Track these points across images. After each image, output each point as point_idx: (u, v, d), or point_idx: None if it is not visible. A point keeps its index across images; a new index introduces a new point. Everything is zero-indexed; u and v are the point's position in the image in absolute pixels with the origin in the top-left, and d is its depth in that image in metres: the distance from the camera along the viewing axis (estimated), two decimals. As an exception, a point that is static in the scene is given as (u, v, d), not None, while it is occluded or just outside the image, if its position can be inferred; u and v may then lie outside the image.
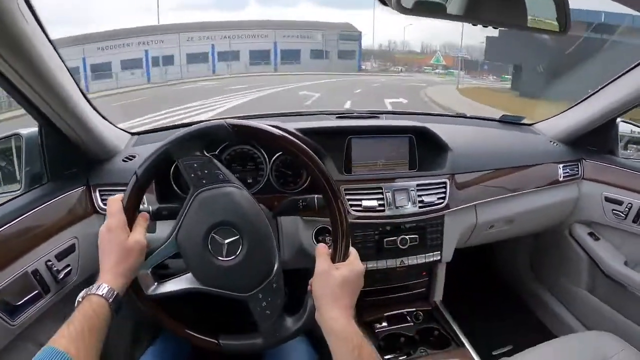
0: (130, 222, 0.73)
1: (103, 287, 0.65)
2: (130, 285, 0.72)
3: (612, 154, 1.57)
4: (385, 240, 1.19)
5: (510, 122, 1.75)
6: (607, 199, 1.48)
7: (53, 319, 0.95)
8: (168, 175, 1.12)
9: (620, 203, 1.44)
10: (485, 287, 2.00)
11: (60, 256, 0.97)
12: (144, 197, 0.79)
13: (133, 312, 0.78)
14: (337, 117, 1.45)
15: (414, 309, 1.32)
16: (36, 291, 0.90)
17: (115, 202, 0.73)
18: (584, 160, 1.56)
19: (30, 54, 0.77)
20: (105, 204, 1.01)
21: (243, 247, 0.74)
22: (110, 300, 0.65)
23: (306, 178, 1.19)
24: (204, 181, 0.75)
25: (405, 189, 1.21)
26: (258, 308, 0.75)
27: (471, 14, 0.76)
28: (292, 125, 1.18)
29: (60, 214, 1.02)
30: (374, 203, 1.17)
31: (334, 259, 0.76)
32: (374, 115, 1.49)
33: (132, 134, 1.36)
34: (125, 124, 1.40)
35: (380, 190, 1.19)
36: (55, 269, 0.94)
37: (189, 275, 0.75)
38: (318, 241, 1.15)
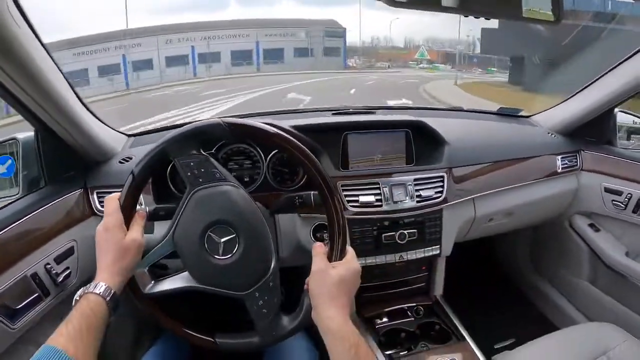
0: (127, 221, 0.73)
1: (100, 285, 0.66)
2: (127, 283, 0.72)
3: (611, 145, 1.56)
4: (383, 235, 1.19)
5: (508, 114, 1.74)
6: (607, 190, 1.48)
7: (53, 321, 0.95)
8: (165, 175, 1.12)
9: (619, 193, 1.44)
10: (485, 281, 2.00)
11: (59, 259, 0.98)
12: (141, 197, 0.79)
13: (135, 313, 0.78)
14: (333, 114, 1.44)
15: (414, 304, 1.32)
16: (36, 294, 0.90)
17: (112, 201, 0.73)
18: (582, 151, 1.55)
19: (22, 58, 0.77)
20: (103, 206, 1.01)
21: (239, 246, 0.74)
22: (108, 298, 0.65)
23: (303, 175, 1.19)
24: (201, 180, 0.75)
25: (403, 183, 1.20)
26: (254, 307, 0.75)
27: (465, 6, 0.75)
28: (288, 122, 1.18)
29: (58, 217, 1.02)
30: (371, 198, 1.17)
31: (330, 258, 0.75)
32: (369, 110, 1.49)
33: (129, 135, 1.36)
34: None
35: (378, 186, 1.19)
36: (54, 271, 0.94)
37: (186, 273, 0.75)
38: (316, 238, 1.15)
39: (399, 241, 1.19)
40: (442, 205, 1.23)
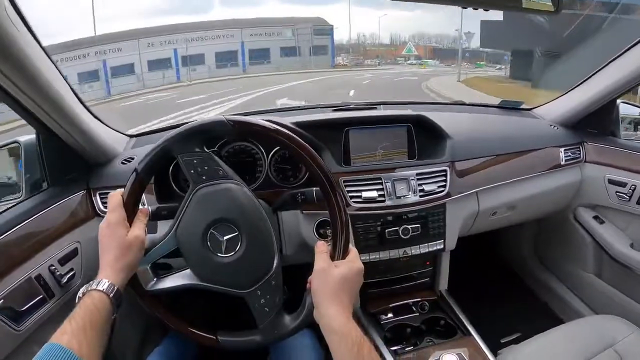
0: (130, 218, 0.73)
1: (103, 282, 0.65)
2: (130, 280, 0.72)
3: (614, 136, 1.55)
4: (387, 230, 1.19)
5: (509, 107, 1.74)
6: (611, 181, 1.47)
7: (58, 323, 0.93)
8: (167, 174, 1.12)
9: (623, 185, 1.43)
10: (490, 275, 2.00)
11: (63, 260, 0.98)
12: (144, 197, 0.78)
13: (142, 313, 0.78)
14: (334, 110, 1.44)
15: (419, 299, 1.32)
16: (40, 296, 0.90)
17: (115, 197, 0.73)
18: (585, 143, 1.54)
19: (21, 60, 0.77)
20: (106, 207, 1.01)
21: (242, 244, 0.74)
22: (111, 295, 0.65)
23: (305, 172, 1.19)
24: (204, 177, 0.75)
25: (405, 178, 1.20)
26: (256, 305, 0.75)
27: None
28: (289, 120, 1.18)
29: (61, 218, 1.03)
30: (374, 194, 1.17)
31: (333, 257, 0.75)
32: (371, 106, 1.49)
33: (131, 136, 1.36)
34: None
35: (380, 181, 1.19)
36: (58, 273, 0.94)
37: (188, 271, 0.75)
38: (319, 234, 1.15)
39: (403, 236, 1.19)
40: (445, 200, 1.23)
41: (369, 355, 0.63)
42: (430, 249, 1.25)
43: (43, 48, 0.85)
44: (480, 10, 0.78)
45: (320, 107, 1.57)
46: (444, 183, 1.23)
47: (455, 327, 1.23)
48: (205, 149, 0.76)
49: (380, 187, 1.18)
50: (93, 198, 1.11)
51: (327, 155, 1.19)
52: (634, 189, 1.40)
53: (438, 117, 1.32)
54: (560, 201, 1.59)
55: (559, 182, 1.51)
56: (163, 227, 0.83)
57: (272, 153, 1.18)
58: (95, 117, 1.14)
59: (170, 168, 1.13)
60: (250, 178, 1.17)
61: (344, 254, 0.75)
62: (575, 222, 1.62)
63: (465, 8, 0.77)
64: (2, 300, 0.82)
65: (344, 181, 1.17)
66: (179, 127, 0.75)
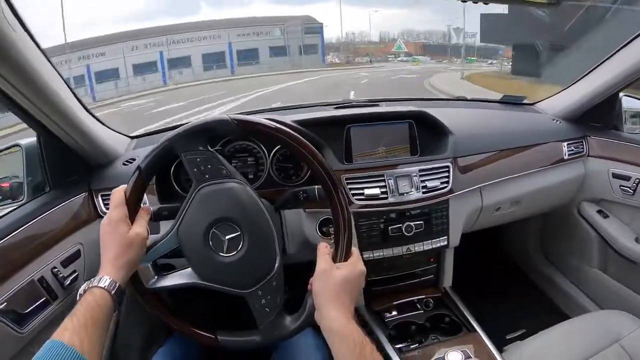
0: (132, 216, 0.73)
1: (105, 279, 0.65)
2: (131, 278, 0.72)
3: (617, 130, 1.54)
4: (390, 228, 1.18)
5: (512, 102, 1.73)
6: (615, 175, 1.46)
7: None
8: (169, 174, 1.12)
9: (627, 179, 1.42)
10: (495, 271, 1.99)
11: (66, 262, 0.98)
12: (145, 197, 0.78)
13: (146, 313, 0.78)
14: (336, 108, 1.43)
15: (423, 296, 1.31)
16: (44, 298, 0.90)
17: (117, 194, 0.73)
18: (588, 137, 1.53)
19: (20, 62, 0.77)
20: (108, 208, 1.01)
21: (244, 244, 0.74)
22: (113, 292, 0.65)
23: (307, 170, 1.18)
24: (207, 176, 0.74)
25: (408, 175, 1.19)
26: (257, 305, 0.75)
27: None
28: (290, 118, 1.17)
29: (63, 220, 1.03)
30: (377, 191, 1.16)
31: (335, 259, 0.75)
32: (372, 103, 1.48)
33: (132, 137, 1.36)
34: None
35: (382, 178, 1.18)
36: (61, 275, 0.94)
37: (189, 270, 0.75)
38: (322, 232, 1.14)
39: (406, 233, 1.18)
40: (448, 196, 1.22)
41: (371, 356, 0.62)
42: (434, 246, 1.24)
43: (42, 50, 0.84)
44: (474, 7, 0.77)
45: (322, 105, 1.56)
46: (446, 179, 1.22)
47: (460, 324, 1.23)
48: (209, 148, 0.76)
49: (383, 184, 1.18)
50: (95, 200, 1.11)
51: (329, 153, 1.19)
52: (638, 182, 1.39)
53: (440, 113, 1.31)
54: (564, 196, 1.58)
55: (562, 176, 1.50)
56: (165, 227, 0.83)
57: (273, 152, 1.17)
58: (96, 119, 1.14)
59: (172, 168, 1.12)
60: (252, 177, 1.17)
61: (347, 256, 0.75)
62: (580, 217, 1.61)
63: (466, 1, 0.77)
64: (5, 303, 0.82)
65: (346, 179, 1.17)
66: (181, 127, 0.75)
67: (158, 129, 1.49)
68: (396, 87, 15.47)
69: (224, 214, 0.74)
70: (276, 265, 0.76)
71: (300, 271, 0.86)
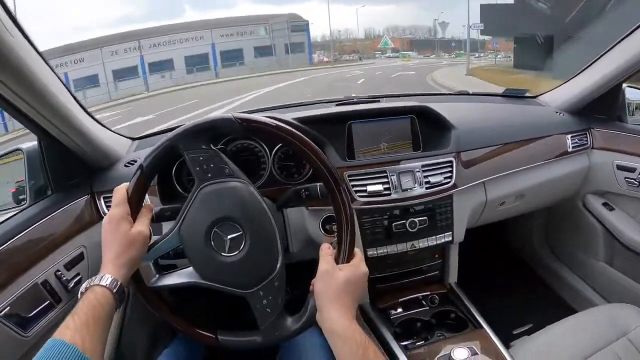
0: (134, 214, 0.72)
1: (106, 277, 0.65)
2: (132, 276, 0.72)
3: (621, 121, 1.53)
4: (394, 224, 1.18)
5: (514, 95, 1.71)
6: (619, 167, 1.45)
7: None
8: (170, 174, 1.12)
9: (632, 170, 1.41)
10: (500, 266, 1.98)
11: (69, 265, 0.98)
12: (147, 198, 0.78)
13: (151, 315, 0.78)
14: (337, 104, 1.43)
15: (428, 293, 1.30)
16: (47, 302, 0.90)
17: (119, 192, 0.72)
18: (592, 129, 1.52)
19: (19, 67, 0.76)
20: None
21: (245, 244, 0.73)
22: (114, 290, 0.64)
23: (309, 168, 1.18)
24: (210, 175, 0.74)
25: (411, 170, 1.19)
26: (258, 306, 0.74)
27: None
28: (291, 115, 1.17)
29: (66, 223, 1.03)
30: (379, 187, 1.15)
31: (337, 260, 0.74)
32: (374, 99, 1.47)
33: (133, 139, 1.36)
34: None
35: (385, 174, 1.17)
36: (64, 278, 0.94)
37: (190, 269, 0.75)
38: (325, 230, 1.14)
39: (410, 229, 1.18)
40: (452, 191, 1.22)
41: (374, 357, 0.62)
42: (439, 242, 1.24)
43: (40, 54, 0.84)
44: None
45: (323, 102, 1.56)
46: (450, 174, 1.22)
47: (466, 320, 1.22)
48: (212, 147, 0.75)
49: (386, 180, 1.17)
50: (97, 202, 1.11)
51: (331, 150, 1.18)
52: (644, 174, 1.37)
53: (442, 108, 1.30)
54: (568, 189, 1.57)
55: (566, 169, 1.49)
56: (167, 228, 0.83)
57: (275, 150, 1.17)
58: (96, 121, 1.14)
59: (174, 169, 1.12)
60: (254, 176, 1.17)
61: (349, 257, 0.74)
62: (585, 210, 1.60)
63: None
64: (9, 307, 0.82)
65: (349, 175, 1.16)
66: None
67: (159, 130, 1.49)
68: (398, 87, 14.17)
69: (225, 213, 0.73)
70: (278, 265, 0.75)
71: (302, 272, 0.86)
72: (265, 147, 1.17)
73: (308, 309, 0.74)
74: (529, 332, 1.12)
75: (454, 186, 1.22)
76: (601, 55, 1.40)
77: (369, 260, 1.13)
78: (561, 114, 1.55)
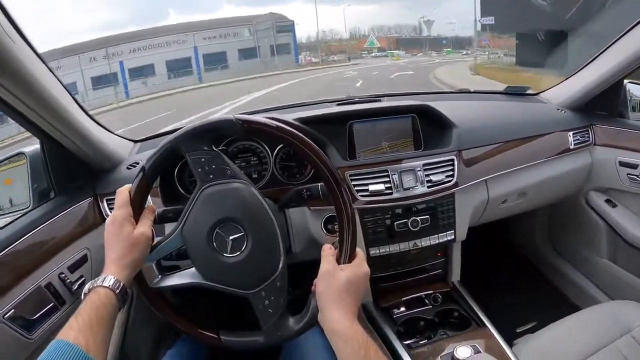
0: (137, 215, 0.73)
1: (109, 278, 0.65)
2: (135, 277, 0.72)
3: (623, 117, 1.52)
4: (396, 223, 1.18)
5: (515, 93, 1.71)
6: (622, 164, 1.44)
7: None
8: (172, 176, 1.12)
9: (635, 167, 1.40)
10: (503, 264, 1.98)
11: (72, 267, 0.98)
12: (149, 200, 0.78)
13: (155, 316, 0.78)
14: (338, 104, 1.43)
15: (431, 291, 1.30)
16: (51, 304, 0.90)
17: (122, 194, 0.73)
18: (594, 126, 1.51)
19: (20, 72, 0.77)
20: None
21: (247, 244, 0.74)
22: (117, 291, 0.65)
23: (310, 169, 1.18)
24: (211, 176, 0.74)
25: (412, 169, 1.19)
26: (260, 306, 0.74)
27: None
28: (292, 116, 1.17)
29: (69, 226, 1.03)
30: (381, 187, 1.15)
31: (339, 260, 0.74)
32: (375, 98, 1.47)
33: (135, 141, 1.36)
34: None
35: (387, 173, 1.17)
36: (68, 280, 0.95)
37: (193, 270, 0.75)
38: (327, 230, 1.14)
39: (412, 228, 1.18)
40: (453, 189, 1.21)
41: (375, 357, 0.62)
42: (441, 240, 1.24)
43: (41, 58, 0.85)
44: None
45: (324, 102, 1.56)
46: (451, 172, 1.21)
47: (469, 318, 1.22)
48: (214, 148, 0.75)
49: (387, 179, 1.17)
50: (100, 204, 1.11)
51: (332, 150, 1.18)
52: (646, 170, 1.37)
53: (443, 106, 1.30)
54: (570, 186, 1.57)
55: (568, 166, 1.48)
56: (169, 229, 0.83)
57: (276, 151, 1.17)
58: (98, 124, 1.14)
59: (176, 170, 1.13)
60: (256, 176, 1.17)
61: (351, 257, 0.74)
62: (588, 207, 1.60)
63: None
64: (13, 310, 0.82)
65: (350, 175, 1.16)
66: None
67: (161, 132, 1.49)
68: (401, 89, 11.91)
69: (227, 214, 0.73)
70: (280, 266, 0.76)
71: (304, 272, 0.86)
72: (266, 147, 1.17)
73: (310, 309, 0.74)
74: (532, 330, 1.12)
75: (456, 184, 1.21)
76: (602, 52, 1.39)
77: (371, 260, 1.13)
78: (563, 111, 1.54)
